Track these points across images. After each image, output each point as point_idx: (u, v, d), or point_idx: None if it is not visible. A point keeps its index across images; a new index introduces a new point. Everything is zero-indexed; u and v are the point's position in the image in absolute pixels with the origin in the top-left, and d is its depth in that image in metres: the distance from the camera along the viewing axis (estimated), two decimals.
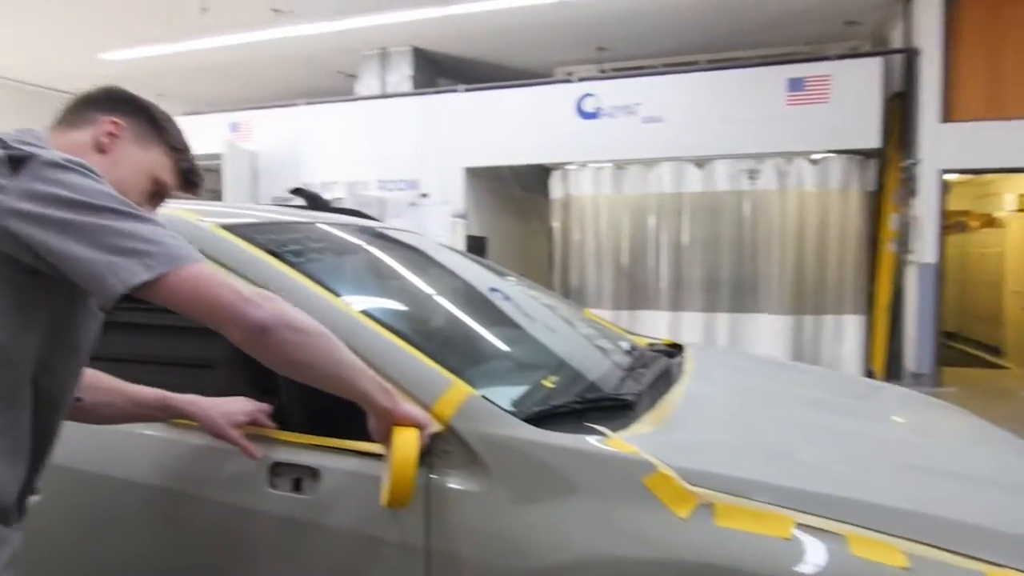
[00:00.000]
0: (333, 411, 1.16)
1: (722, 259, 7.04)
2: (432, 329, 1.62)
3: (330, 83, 9.76)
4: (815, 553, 0.95)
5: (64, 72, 9.48)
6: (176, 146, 1.10)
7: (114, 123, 1.04)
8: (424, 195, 8.06)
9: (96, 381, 1.18)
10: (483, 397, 1.19)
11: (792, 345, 6.73)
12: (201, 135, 9.05)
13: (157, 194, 1.09)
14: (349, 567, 1.14)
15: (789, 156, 6.72)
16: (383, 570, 1.11)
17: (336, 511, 1.14)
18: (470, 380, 1.29)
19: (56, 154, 0.90)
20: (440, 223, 7.94)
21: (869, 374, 6.66)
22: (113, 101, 1.07)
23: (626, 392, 1.41)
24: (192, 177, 1.13)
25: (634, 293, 7.39)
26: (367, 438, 1.15)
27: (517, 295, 2.19)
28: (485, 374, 1.51)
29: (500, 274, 2.42)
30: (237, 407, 1.21)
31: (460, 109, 7.88)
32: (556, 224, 7.85)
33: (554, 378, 1.50)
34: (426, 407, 1.15)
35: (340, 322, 1.25)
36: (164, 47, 8.40)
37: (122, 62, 8.89)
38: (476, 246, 8.02)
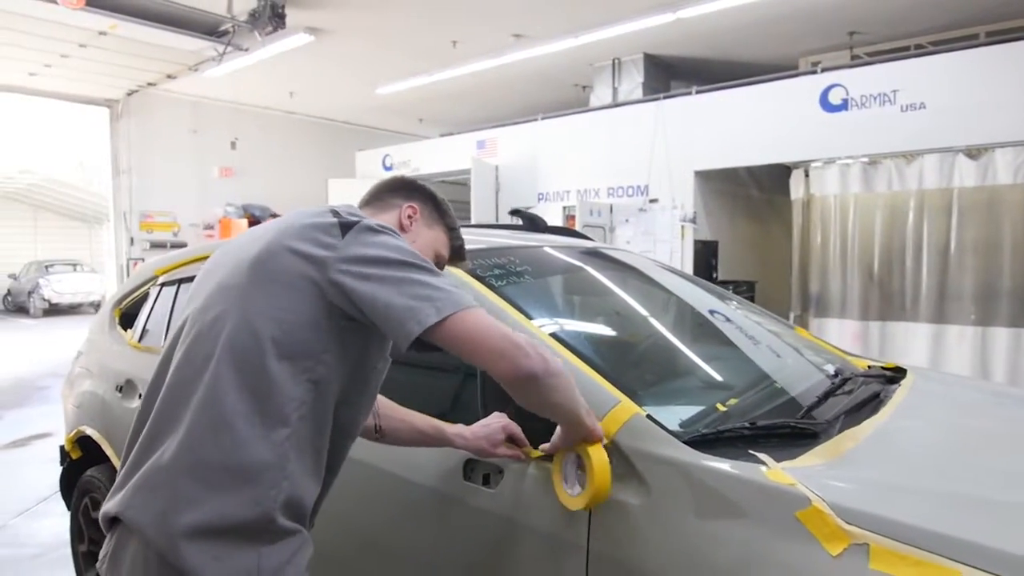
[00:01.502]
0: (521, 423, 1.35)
1: (1002, 264, 6.00)
2: (617, 348, 1.73)
3: (566, 96, 10.23)
4: None
5: (348, 106, 11.23)
6: (452, 226, 1.35)
7: (412, 208, 1.30)
8: (653, 200, 8.08)
9: (391, 411, 1.41)
10: (648, 416, 1.28)
11: None
12: (453, 153, 10.03)
13: (436, 266, 1.30)
14: (520, 554, 1.30)
15: None
16: (549, 561, 1.26)
17: (514, 505, 1.32)
18: (644, 399, 1.39)
19: (373, 221, 1.11)
20: (668, 228, 7.90)
21: None
22: (409, 189, 1.33)
23: (806, 421, 1.39)
24: (462, 252, 1.37)
25: (886, 303, 6.62)
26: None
27: (718, 312, 2.19)
28: (663, 394, 1.58)
29: (706, 290, 2.43)
30: (494, 427, 1.36)
31: (691, 112, 7.76)
32: (796, 226, 7.34)
33: (734, 401, 1.52)
34: (598, 417, 1.28)
35: None
36: (424, 79, 9.54)
37: (392, 94, 10.26)
38: (705, 251, 7.83)
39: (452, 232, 1.34)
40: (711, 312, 2.22)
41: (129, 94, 10.51)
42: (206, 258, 2.41)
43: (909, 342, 6.45)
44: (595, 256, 2.26)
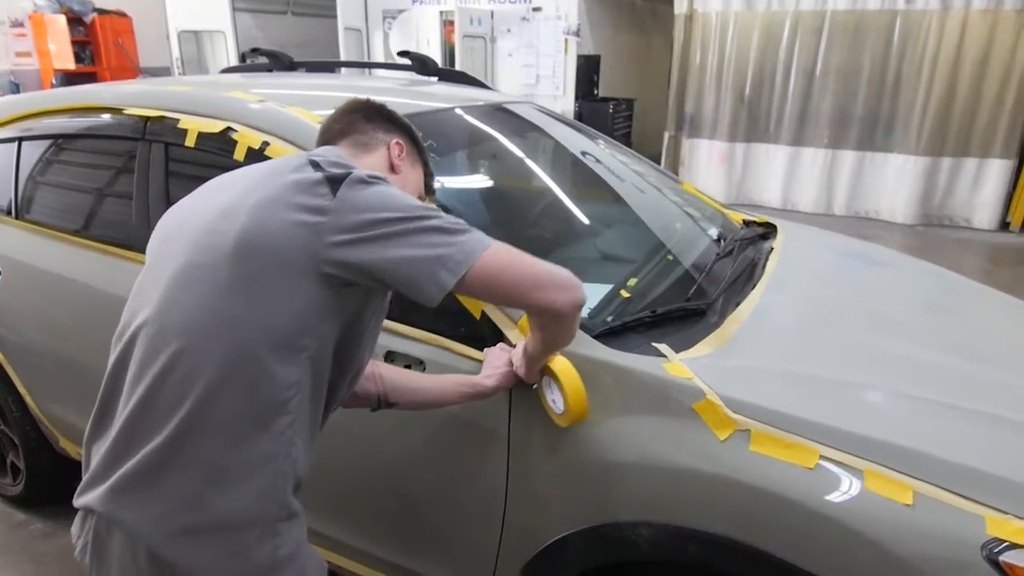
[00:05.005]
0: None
1: (858, 90, 6.42)
2: (529, 231, 1.75)
3: None
4: (832, 483, 1.11)
5: None
6: (427, 162, 1.25)
7: (399, 144, 1.18)
8: (536, 9, 7.67)
9: (405, 382, 1.30)
10: None
11: (923, 189, 6.28)
12: None
13: None
14: (448, 442, 1.42)
15: None
16: (475, 447, 1.39)
17: None
18: None
19: (362, 171, 1.00)
20: (552, 41, 7.62)
21: (1005, 225, 6.20)
22: (388, 120, 1.20)
23: (694, 302, 1.54)
24: (431, 187, 1.28)
25: (753, 125, 6.98)
26: (463, 340, 1.38)
27: (611, 174, 2.25)
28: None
29: (594, 140, 2.44)
30: (503, 360, 1.29)
31: None
32: (677, 43, 7.32)
33: (633, 281, 1.64)
34: (514, 322, 1.35)
35: None
36: None
37: None
38: (587, 67, 7.70)
39: (426, 168, 1.26)
40: (593, 161, 2.25)
41: None
42: (46, 113, 2.11)
43: (769, 163, 6.94)
44: (489, 117, 2.15)
